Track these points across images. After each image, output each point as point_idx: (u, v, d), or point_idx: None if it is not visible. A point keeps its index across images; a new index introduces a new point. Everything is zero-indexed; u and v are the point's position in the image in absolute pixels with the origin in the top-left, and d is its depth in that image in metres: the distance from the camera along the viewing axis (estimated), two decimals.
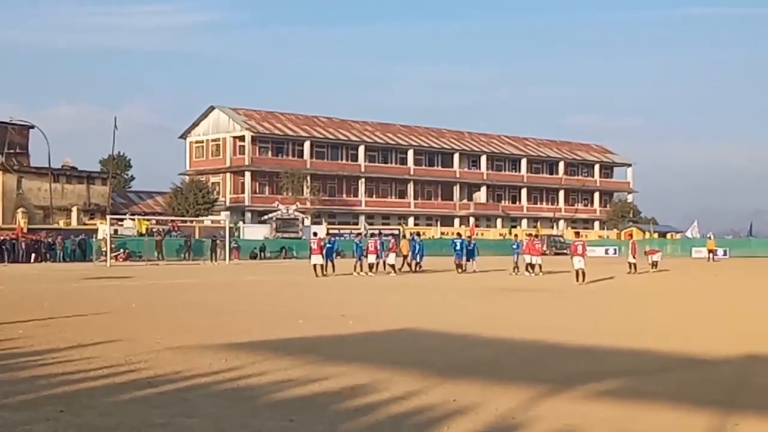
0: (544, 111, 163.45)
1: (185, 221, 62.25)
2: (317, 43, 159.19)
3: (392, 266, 34.36)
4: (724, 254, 62.78)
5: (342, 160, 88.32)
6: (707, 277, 32.78)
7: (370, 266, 33.80)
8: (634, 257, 35.40)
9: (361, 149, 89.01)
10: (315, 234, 41.34)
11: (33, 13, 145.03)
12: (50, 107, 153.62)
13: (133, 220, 58.49)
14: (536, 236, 39.80)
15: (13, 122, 69.61)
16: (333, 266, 33.85)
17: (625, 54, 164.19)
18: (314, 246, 34.02)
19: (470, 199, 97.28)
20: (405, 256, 37.10)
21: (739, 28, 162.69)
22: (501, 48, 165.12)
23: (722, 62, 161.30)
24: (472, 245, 37.22)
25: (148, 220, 59.82)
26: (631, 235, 62.53)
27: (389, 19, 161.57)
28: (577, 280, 26.61)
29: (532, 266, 32.44)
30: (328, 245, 34.63)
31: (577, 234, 64.37)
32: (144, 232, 56.34)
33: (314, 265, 32.53)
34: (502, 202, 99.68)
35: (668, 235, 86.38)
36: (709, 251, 57.13)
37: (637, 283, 28.37)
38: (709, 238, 63.10)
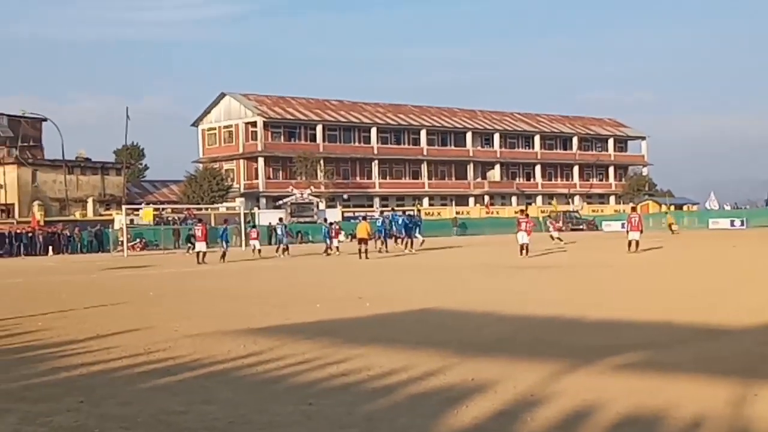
0: (556, 87, 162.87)
1: (200, 209, 62.46)
2: (326, 26, 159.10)
3: (337, 248, 34.79)
4: (742, 224, 62.44)
5: (355, 142, 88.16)
6: (725, 248, 32.57)
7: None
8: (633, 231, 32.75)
9: (374, 131, 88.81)
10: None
11: (41, 5, 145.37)
12: (62, 99, 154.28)
13: (149, 209, 58.74)
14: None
15: (25, 115, 69.96)
16: (287, 248, 34.24)
17: (637, 27, 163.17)
18: (199, 233, 33.10)
19: (484, 177, 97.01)
20: (363, 239, 32.76)
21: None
22: (511, 25, 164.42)
23: (734, 33, 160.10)
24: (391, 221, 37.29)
25: (163, 208, 60.03)
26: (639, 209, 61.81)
27: (398, 1, 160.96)
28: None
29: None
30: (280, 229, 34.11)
31: (586, 208, 64.05)
32: (151, 221, 56.49)
33: (197, 252, 31.65)
34: (517, 179, 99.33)
35: (684, 207, 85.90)
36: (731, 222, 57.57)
37: (653, 256, 28.22)
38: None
